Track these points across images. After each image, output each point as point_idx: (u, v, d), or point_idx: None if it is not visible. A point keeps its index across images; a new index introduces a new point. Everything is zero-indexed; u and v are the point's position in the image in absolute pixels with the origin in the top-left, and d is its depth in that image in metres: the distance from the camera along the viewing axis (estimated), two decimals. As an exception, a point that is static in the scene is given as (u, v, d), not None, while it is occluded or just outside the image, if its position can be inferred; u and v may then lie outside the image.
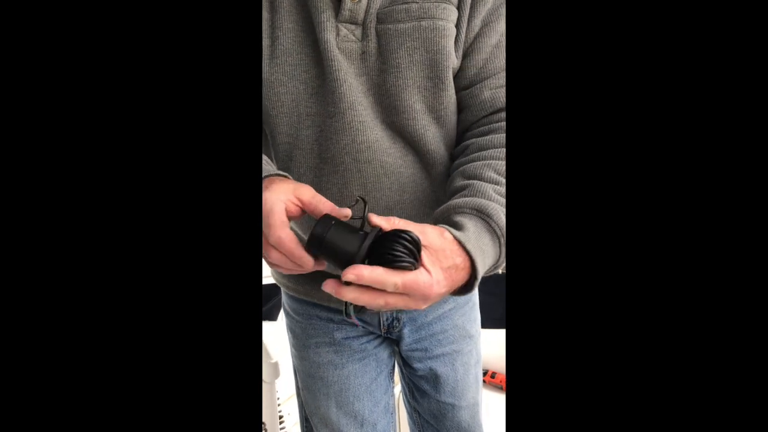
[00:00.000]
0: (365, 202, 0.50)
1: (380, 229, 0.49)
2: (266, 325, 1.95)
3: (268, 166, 0.61)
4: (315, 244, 0.49)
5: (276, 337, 1.09)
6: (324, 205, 0.53)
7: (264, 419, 0.93)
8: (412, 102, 0.64)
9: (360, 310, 0.51)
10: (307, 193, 0.53)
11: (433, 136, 0.67)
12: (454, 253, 0.50)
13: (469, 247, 0.51)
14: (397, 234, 0.47)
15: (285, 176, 0.58)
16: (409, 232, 0.47)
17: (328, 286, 0.49)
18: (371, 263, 0.48)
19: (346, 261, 0.48)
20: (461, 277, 0.51)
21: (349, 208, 0.52)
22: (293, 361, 0.90)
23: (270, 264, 0.53)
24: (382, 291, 0.47)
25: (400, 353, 0.88)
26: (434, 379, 0.86)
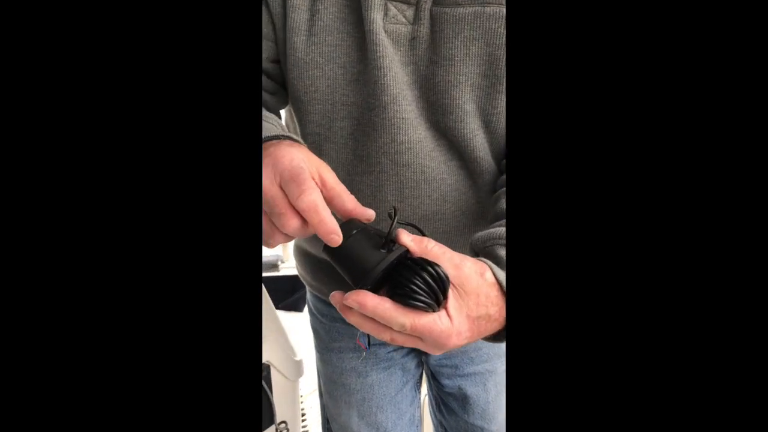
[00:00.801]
0: (396, 213, 0.43)
1: (407, 251, 0.42)
2: (291, 318, 1.95)
3: (279, 128, 0.52)
4: (330, 247, 0.43)
5: (301, 331, 1.05)
6: (346, 198, 0.44)
7: (285, 418, 0.90)
8: (462, 102, 0.56)
9: None
10: (331, 176, 0.44)
11: (482, 143, 0.58)
12: (490, 301, 0.42)
13: None
14: (423, 264, 0.40)
15: (299, 142, 0.50)
16: (437, 266, 0.40)
17: (335, 299, 0.43)
18: (386, 290, 0.42)
19: (357, 277, 0.42)
20: (492, 328, 0.44)
21: (389, 216, 0.45)
22: (316, 363, 0.86)
23: (282, 234, 0.42)
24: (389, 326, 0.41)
25: (428, 365, 0.83)
26: (463, 398, 0.81)
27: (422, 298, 0.39)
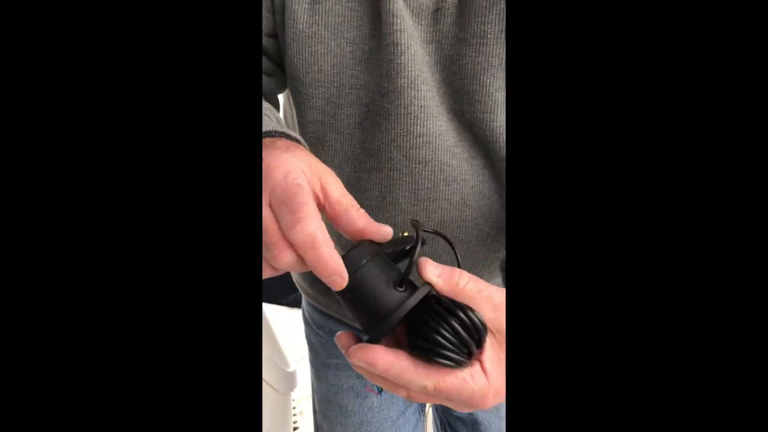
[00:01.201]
0: (418, 238, 0.35)
1: (431, 290, 0.34)
2: (293, 314, 1.87)
3: (274, 121, 0.44)
4: None
5: (302, 330, 0.98)
6: (356, 215, 0.35)
7: (275, 435, 0.82)
8: (494, 89, 0.48)
9: None
10: (337, 187, 0.36)
11: None
12: None
13: None
14: (452, 309, 0.32)
15: (298, 140, 0.41)
16: (471, 310, 0.32)
17: (341, 342, 0.35)
18: (404, 333, 0.34)
19: (368, 326, 0.34)
20: None
21: (405, 237, 0.37)
22: (311, 378, 0.79)
23: (270, 268, 0.34)
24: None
25: (435, 386, 0.75)
26: (473, 424, 0.76)
27: (450, 355, 0.31)
